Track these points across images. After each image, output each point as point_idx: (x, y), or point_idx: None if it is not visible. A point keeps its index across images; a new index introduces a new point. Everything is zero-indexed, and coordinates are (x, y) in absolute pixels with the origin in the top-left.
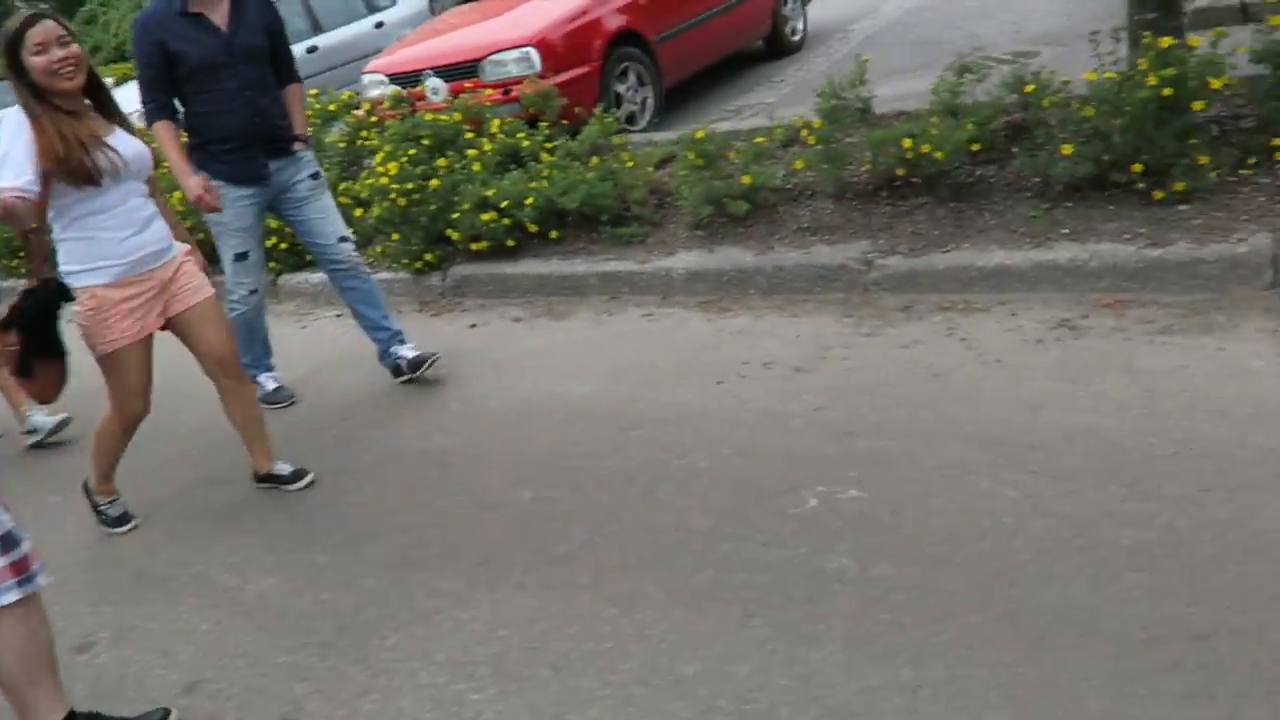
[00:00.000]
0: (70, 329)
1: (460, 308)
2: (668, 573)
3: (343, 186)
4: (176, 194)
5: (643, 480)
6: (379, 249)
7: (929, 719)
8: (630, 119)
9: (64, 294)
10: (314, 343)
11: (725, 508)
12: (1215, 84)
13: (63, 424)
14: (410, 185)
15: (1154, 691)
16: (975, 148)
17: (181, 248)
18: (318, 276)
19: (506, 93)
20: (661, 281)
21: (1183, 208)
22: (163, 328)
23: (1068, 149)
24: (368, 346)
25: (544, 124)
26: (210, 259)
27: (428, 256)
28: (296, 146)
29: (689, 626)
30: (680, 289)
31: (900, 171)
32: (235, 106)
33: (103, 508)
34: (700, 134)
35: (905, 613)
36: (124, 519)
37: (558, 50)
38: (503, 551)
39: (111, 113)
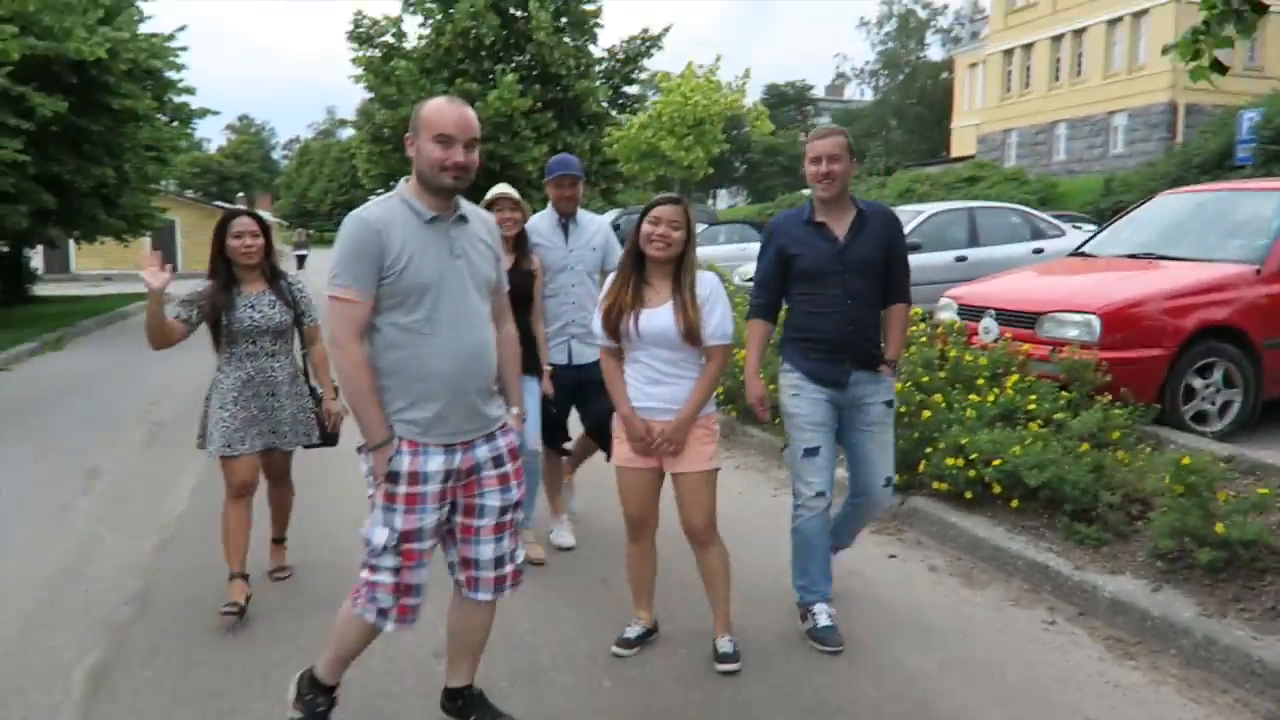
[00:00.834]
0: None
1: (898, 534)
2: None
3: None
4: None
5: None
6: None
7: None
8: (1200, 417)
9: None
10: None
11: None
12: None
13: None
14: (903, 409)
15: None
16: None
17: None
18: None
19: (1053, 352)
20: (1085, 596)
21: None
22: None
23: None
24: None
25: (1068, 394)
26: None
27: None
28: (883, 369)
29: None
30: (1100, 613)
31: None
32: (834, 313)
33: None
34: (1186, 460)
35: None
36: (627, 643)
37: (1124, 326)
38: None
39: None
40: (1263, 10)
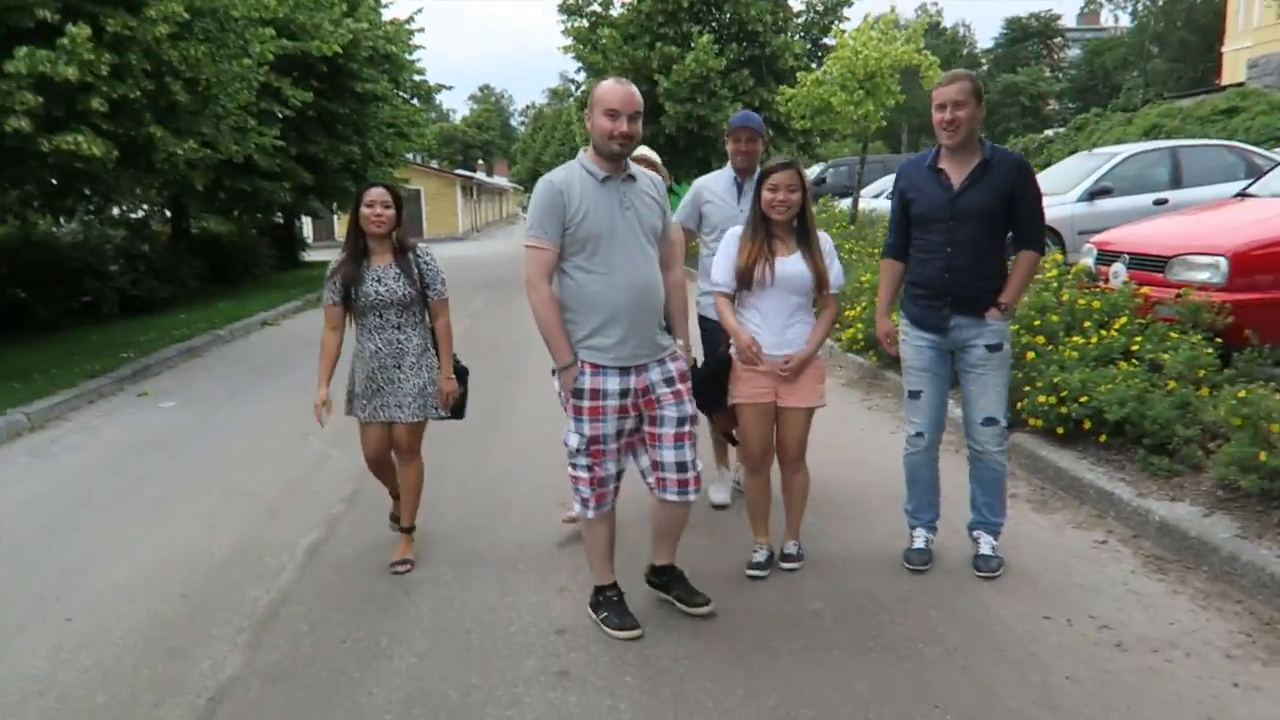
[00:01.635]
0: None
1: None
2: None
3: None
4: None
5: None
6: None
7: None
8: None
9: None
10: None
11: None
12: None
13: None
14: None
15: None
16: None
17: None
18: None
19: (1181, 294)
20: (1140, 520)
21: None
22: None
23: None
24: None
25: (1177, 335)
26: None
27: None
28: (990, 313)
29: None
30: (1150, 535)
31: None
32: (935, 259)
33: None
34: (1243, 394)
35: None
36: (758, 565)
37: (1253, 268)
38: None
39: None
40: None
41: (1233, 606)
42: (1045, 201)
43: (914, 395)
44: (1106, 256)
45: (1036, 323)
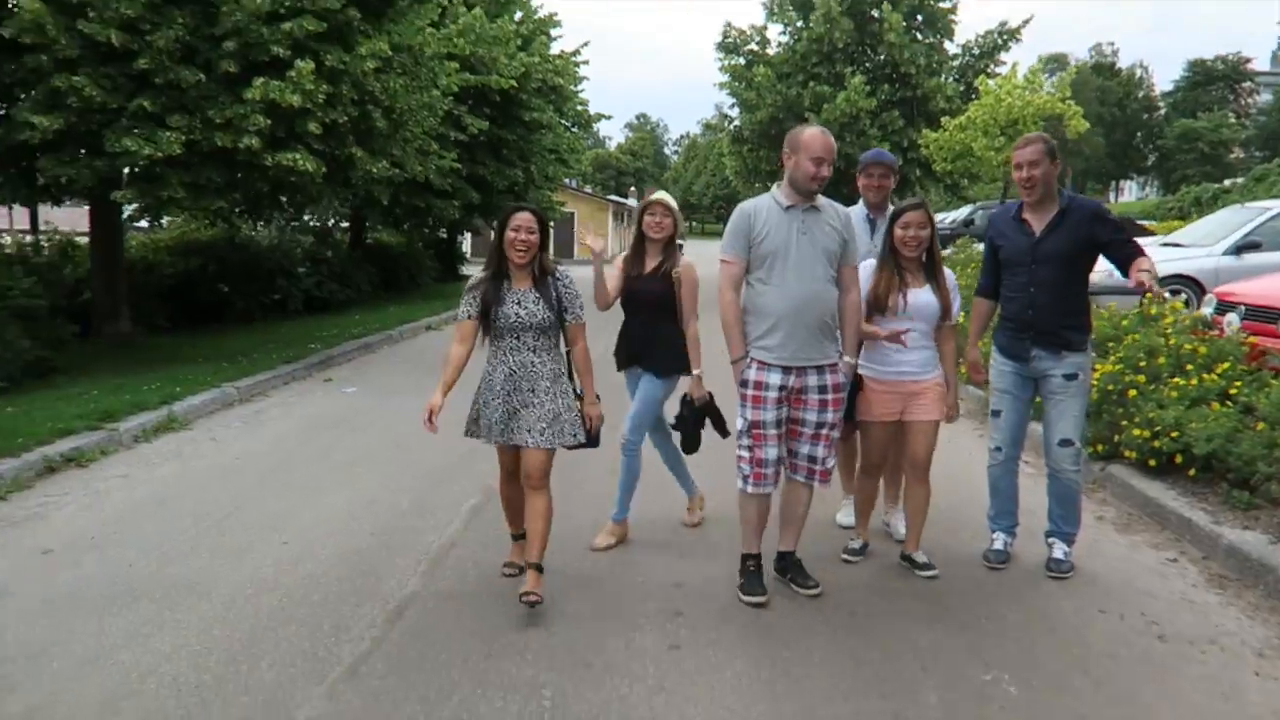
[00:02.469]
0: None
1: (1091, 494)
2: None
3: None
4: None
5: None
6: None
7: None
8: None
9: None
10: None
11: None
12: None
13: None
14: (1112, 387)
15: None
16: None
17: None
18: None
19: None
20: (1211, 544)
21: None
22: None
23: None
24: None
25: (1277, 382)
26: None
27: (1099, 447)
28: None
29: None
30: (1218, 557)
31: None
32: (1019, 298)
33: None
34: None
35: None
36: (855, 551)
37: None
38: None
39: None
40: None
41: (1277, 619)
42: (1188, 253)
43: (995, 414)
44: (1224, 306)
45: (1142, 363)
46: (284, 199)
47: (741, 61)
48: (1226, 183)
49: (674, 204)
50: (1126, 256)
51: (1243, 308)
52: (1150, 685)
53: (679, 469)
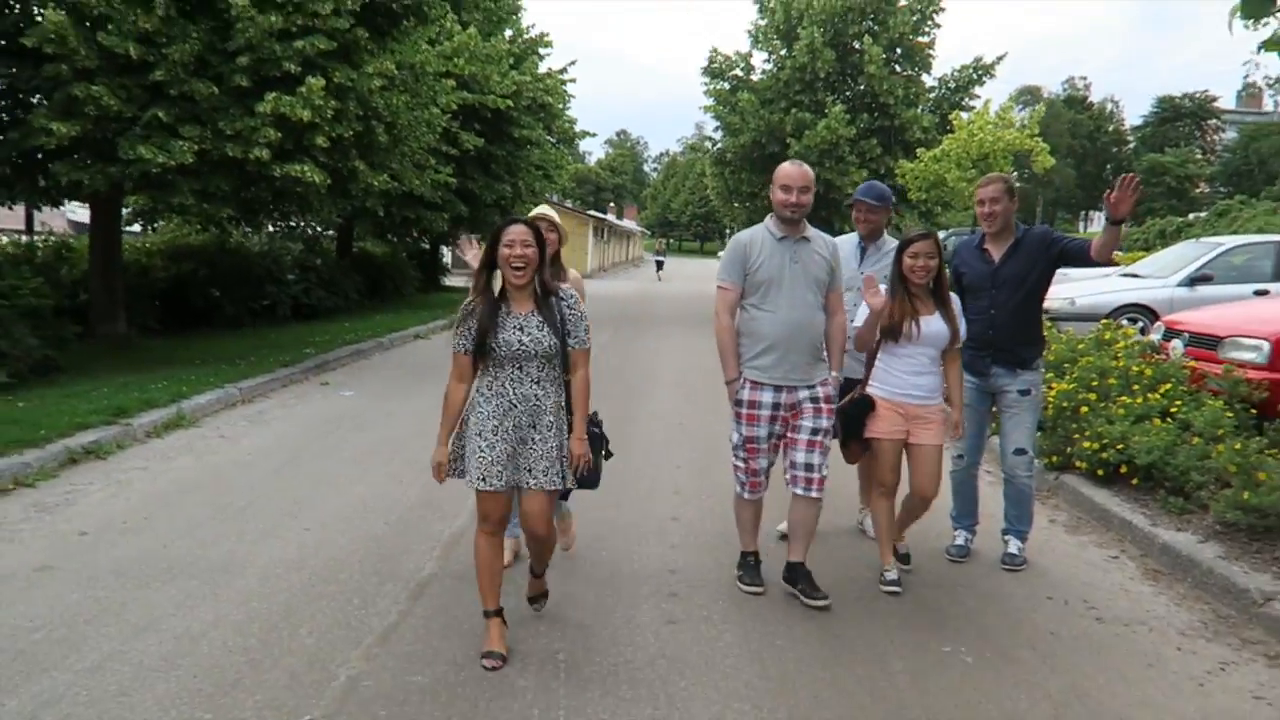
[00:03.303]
0: None
1: (1044, 500)
2: None
3: None
4: None
5: None
6: None
7: None
8: None
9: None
10: None
11: None
12: None
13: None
14: (1066, 404)
15: None
16: None
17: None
18: None
19: (1225, 369)
20: (1148, 543)
21: None
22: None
23: None
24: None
25: (1214, 403)
26: None
27: (1053, 459)
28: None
29: None
30: (1154, 554)
31: None
32: (981, 319)
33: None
34: (1238, 445)
35: None
36: (893, 583)
37: None
38: None
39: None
40: None
41: (1201, 606)
42: (1145, 283)
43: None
44: (1171, 333)
45: (1094, 383)
46: (287, 208)
47: (726, 86)
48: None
49: (557, 218)
50: (1082, 245)
51: (1186, 335)
52: (1087, 656)
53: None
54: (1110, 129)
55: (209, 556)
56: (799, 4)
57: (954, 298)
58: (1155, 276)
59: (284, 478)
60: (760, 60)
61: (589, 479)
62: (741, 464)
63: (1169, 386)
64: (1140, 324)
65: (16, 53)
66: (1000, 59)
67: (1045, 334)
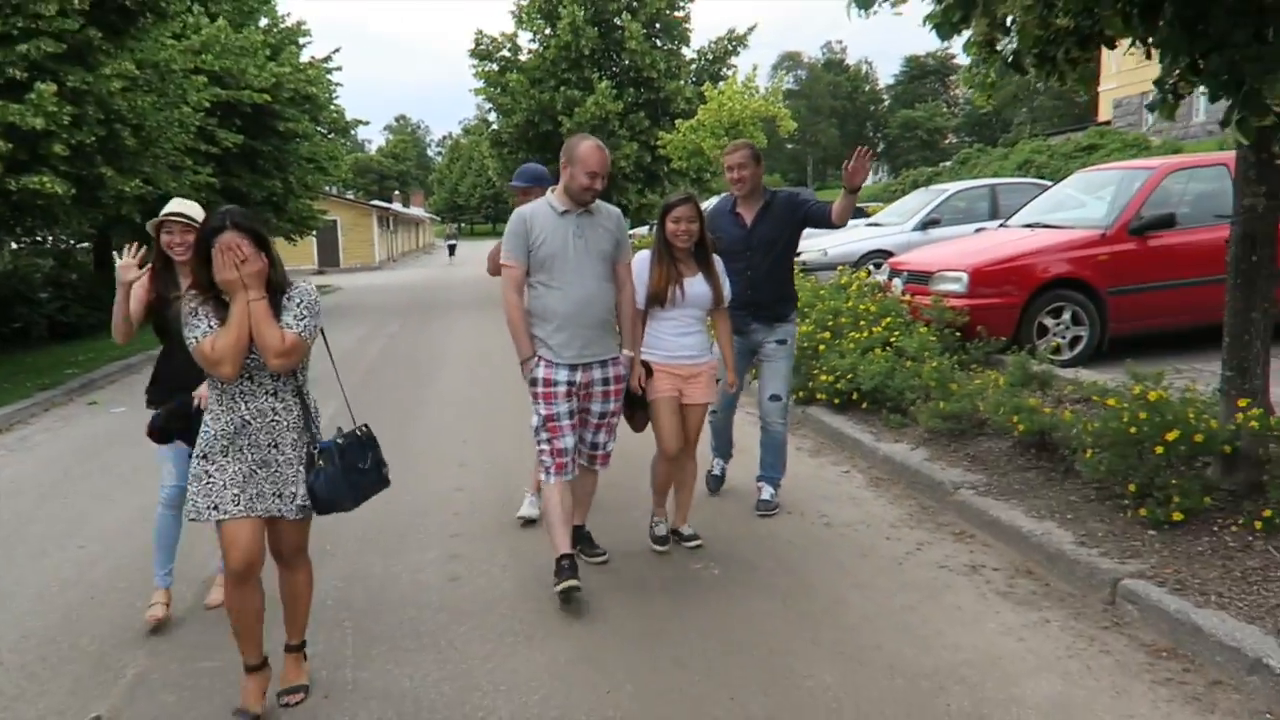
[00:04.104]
0: None
1: (795, 430)
2: None
3: None
4: None
5: None
6: None
7: None
8: (1056, 350)
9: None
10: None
11: None
12: None
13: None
14: (807, 344)
15: None
16: None
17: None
18: None
19: (935, 300)
20: (872, 455)
21: None
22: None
23: None
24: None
25: (924, 330)
26: None
27: (799, 394)
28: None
29: None
30: (877, 464)
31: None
32: (739, 280)
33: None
34: (936, 364)
35: None
36: (661, 540)
37: (986, 281)
38: None
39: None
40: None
41: (909, 501)
42: (884, 230)
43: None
44: (894, 273)
45: (830, 322)
46: (30, 222)
47: (495, 68)
48: (940, 166)
49: (197, 214)
50: (824, 209)
51: (905, 273)
52: (815, 556)
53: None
54: (867, 89)
55: None
56: None
57: (718, 259)
58: (893, 224)
59: (55, 500)
60: (526, 40)
61: (341, 495)
62: (546, 445)
63: (890, 320)
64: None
65: None
66: (751, 29)
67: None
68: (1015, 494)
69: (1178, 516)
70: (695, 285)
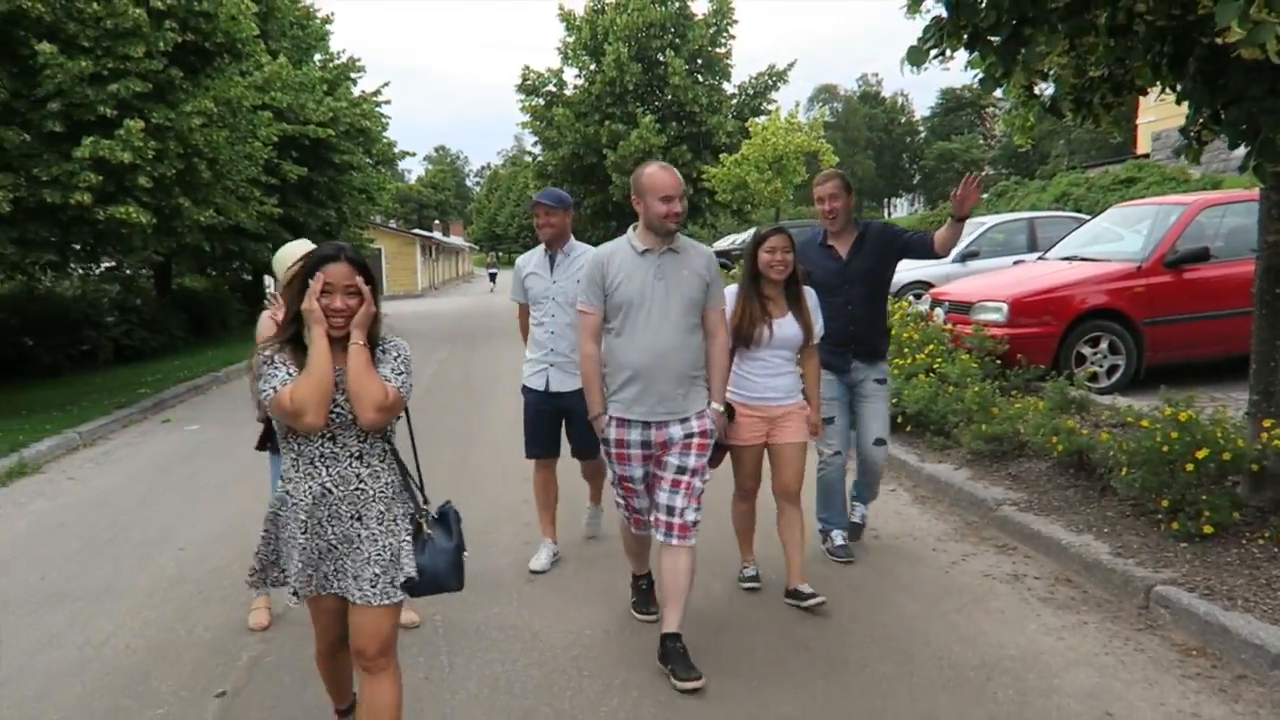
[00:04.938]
0: None
1: None
2: None
3: None
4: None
5: None
6: None
7: None
8: (1094, 378)
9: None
10: None
11: None
12: None
13: None
14: None
15: None
16: None
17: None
18: None
19: (975, 329)
20: (918, 475)
21: None
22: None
23: None
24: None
25: (965, 357)
26: None
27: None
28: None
29: None
30: (922, 482)
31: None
32: (839, 316)
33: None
34: (977, 389)
35: None
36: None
37: (1025, 311)
38: None
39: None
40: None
41: (954, 517)
42: (925, 261)
43: (828, 421)
44: (936, 303)
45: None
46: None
47: (541, 102)
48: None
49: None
50: (924, 238)
51: (947, 303)
52: (866, 564)
53: None
54: (903, 121)
55: (89, 584)
56: (604, 21)
57: (810, 293)
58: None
59: (147, 508)
60: (571, 75)
61: (440, 578)
62: (622, 500)
63: (932, 347)
64: (925, 298)
65: None
66: (791, 65)
67: None
68: (1055, 510)
69: (1208, 530)
70: (785, 326)
